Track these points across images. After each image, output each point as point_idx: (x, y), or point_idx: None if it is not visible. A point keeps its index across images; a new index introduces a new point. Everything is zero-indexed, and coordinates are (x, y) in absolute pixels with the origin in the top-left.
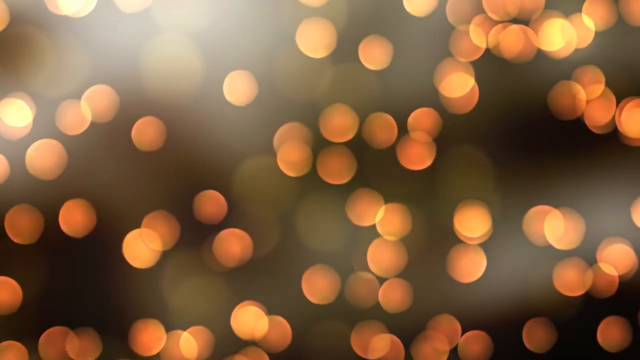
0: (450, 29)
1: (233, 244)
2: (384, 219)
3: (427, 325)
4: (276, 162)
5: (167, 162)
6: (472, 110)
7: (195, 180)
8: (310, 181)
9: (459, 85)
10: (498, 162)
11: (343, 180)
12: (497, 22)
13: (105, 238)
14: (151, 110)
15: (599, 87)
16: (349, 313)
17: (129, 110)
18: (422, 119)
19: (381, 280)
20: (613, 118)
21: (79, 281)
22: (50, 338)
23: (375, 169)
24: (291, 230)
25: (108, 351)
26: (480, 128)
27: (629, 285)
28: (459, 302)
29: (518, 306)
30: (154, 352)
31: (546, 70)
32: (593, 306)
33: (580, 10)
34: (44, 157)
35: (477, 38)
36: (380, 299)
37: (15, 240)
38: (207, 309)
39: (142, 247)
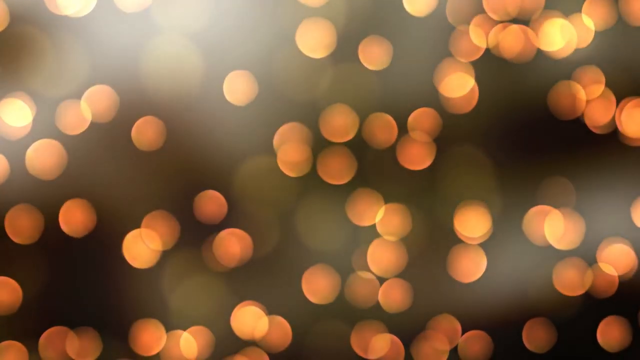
0: (450, 29)
1: (233, 244)
2: (384, 219)
3: (427, 325)
4: (276, 162)
5: (167, 162)
6: (472, 110)
7: (195, 180)
8: (310, 181)
9: (459, 85)
10: (498, 162)
11: (343, 180)
12: (497, 22)
13: (105, 238)
14: (151, 110)
15: (599, 87)
16: (349, 313)
17: (129, 110)
18: (422, 119)
19: (381, 280)
20: (613, 118)
21: (79, 281)
22: (50, 338)
23: (375, 169)
24: (291, 230)
25: (108, 351)
26: (480, 128)
27: (628, 285)
28: (459, 302)
29: (518, 306)
30: (154, 352)
31: (546, 70)
32: (593, 306)
33: (580, 10)
34: (44, 157)
35: (477, 38)
36: (380, 299)
37: (15, 240)
38: (207, 309)
39: (142, 247)
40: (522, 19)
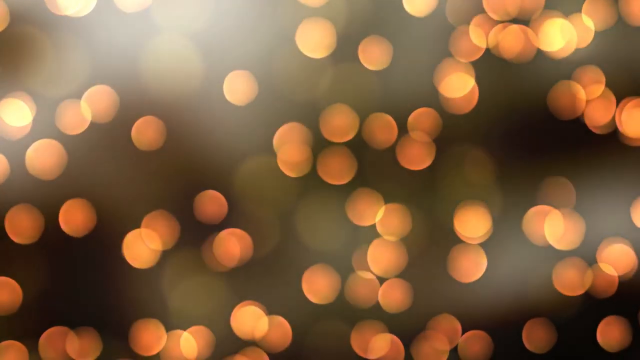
0: (450, 29)
1: (233, 244)
2: (384, 219)
3: (427, 325)
4: (276, 162)
5: (167, 162)
6: (472, 111)
7: (195, 180)
8: (310, 181)
9: (459, 86)
10: (498, 162)
11: (343, 180)
12: (497, 22)
13: (105, 238)
14: (151, 110)
15: (599, 87)
16: (349, 313)
17: (129, 110)
18: (422, 119)
19: (381, 280)
20: (613, 118)
21: (79, 281)
22: (50, 338)
23: (375, 169)
24: (291, 230)
25: (108, 351)
26: (480, 128)
27: (628, 285)
28: (459, 302)
29: (518, 306)
30: (154, 352)
31: (546, 70)
32: (593, 306)
33: (580, 10)
34: (44, 157)
35: (477, 38)
36: (380, 299)
37: (15, 240)
38: (207, 309)
39: (142, 247)
40: (522, 19)
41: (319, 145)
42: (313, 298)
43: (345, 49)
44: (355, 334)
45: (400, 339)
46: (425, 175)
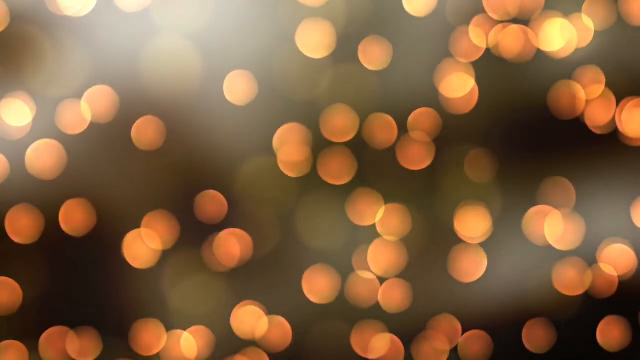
0: (450, 29)
1: (233, 244)
2: (384, 219)
3: (427, 325)
4: (276, 163)
5: (167, 162)
6: (472, 111)
7: (195, 180)
8: (310, 181)
9: (458, 86)
10: (498, 162)
11: (343, 180)
12: (497, 22)
13: (105, 238)
14: (151, 110)
15: (599, 87)
16: (349, 313)
17: (129, 110)
18: (422, 119)
19: (381, 280)
20: (613, 118)
21: (79, 281)
22: (50, 338)
23: (375, 169)
24: (291, 230)
25: (108, 351)
26: (480, 128)
27: (628, 286)
28: (459, 302)
29: (518, 306)
30: (154, 352)
31: (546, 70)
32: (593, 306)
33: (580, 10)
34: (44, 157)
35: (477, 38)
36: (380, 299)
37: (15, 240)
38: (207, 309)
39: (142, 247)
40: (522, 19)
41: (319, 145)
42: (313, 298)
43: (345, 49)
44: (355, 334)
45: (400, 339)
46: (425, 175)
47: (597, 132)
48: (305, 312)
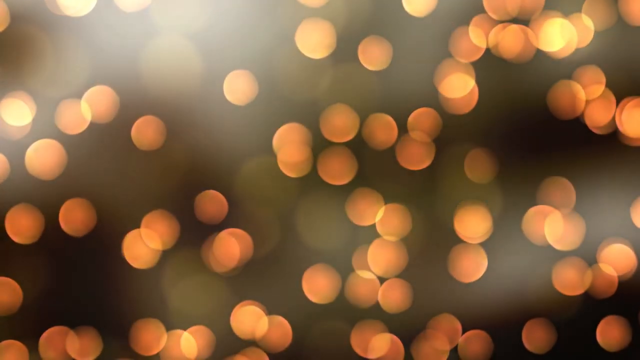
0: (450, 29)
1: (233, 244)
2: (384, 219)
3: (427, 325)
4: (276, 163)
5: (167, 162)
6: (472, 111)
7: (195, 180)
8: (310, 181)
9: (458, 86)
10: (498, 162)
11: (343, 180)
12: (497, 22)
13: (105, 238)
14: (151, 110)
15: (599, 87)
16: (349, 313)
17: (129, 110)
18: (422, 119)
19: (381, 280)
20: (613, 118)
21: (79, 281)
22: (50, 338)
23: (375, 169)
24: (291, 230)
25: (108, 351)
26: (480, 128)
27: (628, 286)
28: (459, 302)
29: (518, 306)
30: (154, 351)
31: (546, 70)
32: (592, 306)
33: (580, 10)
34: (44, 157)
35: (477, 38)
36: (380, 299)
37: (15, 240)
38: (207, 309)
39: (142, 247)
40: (522, 19)
41: (319, 145)
42: (313, 298)
43: (345, 49)
44: (355, 334)
45: (400, 339)
46: (425, 175)
47: (597, 132)
48: (305, 312)
